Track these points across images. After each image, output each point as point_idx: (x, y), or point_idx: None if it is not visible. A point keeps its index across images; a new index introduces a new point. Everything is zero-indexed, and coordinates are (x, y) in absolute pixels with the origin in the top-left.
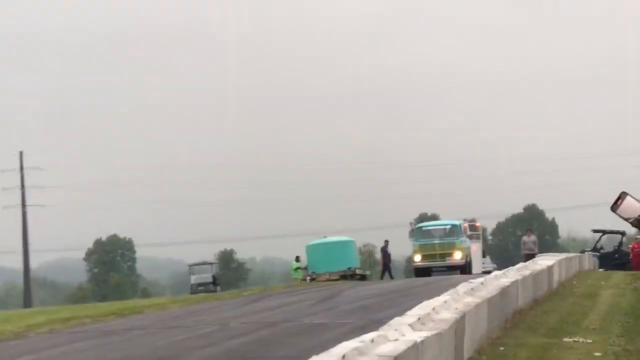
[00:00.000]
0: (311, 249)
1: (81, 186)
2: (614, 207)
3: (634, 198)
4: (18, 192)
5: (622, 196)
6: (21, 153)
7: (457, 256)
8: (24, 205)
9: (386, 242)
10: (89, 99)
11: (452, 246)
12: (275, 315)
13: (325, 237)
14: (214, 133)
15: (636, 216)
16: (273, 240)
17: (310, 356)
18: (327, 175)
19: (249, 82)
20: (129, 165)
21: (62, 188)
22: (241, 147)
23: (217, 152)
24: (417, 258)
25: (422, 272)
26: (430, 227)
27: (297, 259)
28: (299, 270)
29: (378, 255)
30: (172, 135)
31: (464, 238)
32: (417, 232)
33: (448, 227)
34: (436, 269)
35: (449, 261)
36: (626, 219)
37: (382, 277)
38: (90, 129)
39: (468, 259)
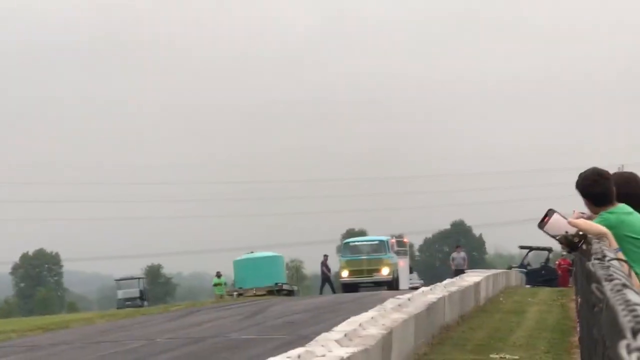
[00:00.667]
0: (238, 264)
1: (6, 200)
2: (541, 225)
3: (561, 215)
4: None
5: (549, 213)
6: None
7: (385, 272)
8: None
9: (325, 256)
10: (10, 110)
11: (380, 262)
12: (203, 331)
13: (252, 252)
14: (140, 144)
15: (563, 233)
16: (201, 255)
17: None
18: (255, 190)
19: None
20: (55, 180)
21: None
22: (168, 160)
23: (144, 165)
24: (345, 274)
25: (349, 287)
26: (357, 243)
27: (218, 275)
28: (220, 286)
29: (305, 271)
30: (100, 147)
31: (391, 254)
32: (344, 248)
33: (375, 242)
34: (364, 284)
35: (376, 277)
36: (553, 237)
37: (321, 292)
38: (13, 142)
39: (395, 275)
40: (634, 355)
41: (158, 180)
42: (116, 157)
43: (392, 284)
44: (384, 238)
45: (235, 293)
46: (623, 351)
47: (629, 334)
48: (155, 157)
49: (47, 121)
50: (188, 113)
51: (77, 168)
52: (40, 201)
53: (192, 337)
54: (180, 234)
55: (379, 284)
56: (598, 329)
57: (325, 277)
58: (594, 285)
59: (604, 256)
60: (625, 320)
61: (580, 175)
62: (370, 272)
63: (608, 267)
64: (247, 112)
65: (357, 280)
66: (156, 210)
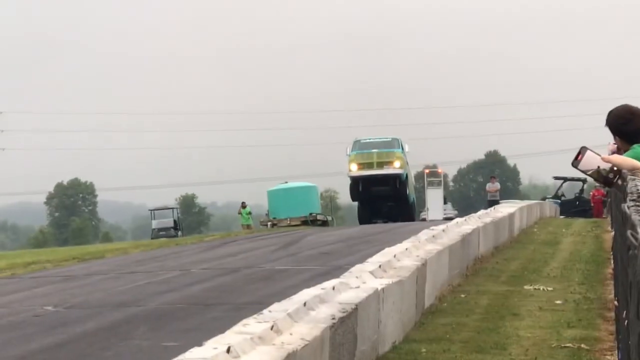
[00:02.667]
0: (272, 194)
1: (42, 130)
2: (575, 163)
3: (593, 152)
4: None
5: (582, 151)
6: None
7: (397, 164)
8: None
9: None
10: (50, 44)
11: (391, 155)
12: (237, 261)
13: (286, 182)
14: (181, 79)
15: (595, 168)
16: (235, 185)
17: (271, 303)
18: (290, 120)
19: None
20: (90, 110)
21: (23, 132)
22: (206, 93)
23: (181, 97)
24: (353, 167)
25: (357, 185)
26: (368, 140)
27: (244, 205)
28: (246, 217)
29: (340, 201)
30: (135, 80)
31: (403, 152)
32: (354, 145)
33: (387, 139)
34: (373, 179)
35: (387, 169)
36: (587, 173)
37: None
38: (51, 73)
39: (405, 173)
40: None
41: (192, 110)
42: (150, 87)
43: (401, 183)
44: (396, 137)
45: (269, 223)
46: None
47: None
48: (190, 87)
49: (84, 52)
50: (220, 44)
51: (113, 98)
52: (74, 130)
53: (226, 267)
54: (214, 163)
55: (388, 181)
56: (633, 271)
57: None
58: (629, 232)
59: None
60: None
61: (611, 113)
62: (381, 165)
63: None
64: (283, 47)
65: (366, 175)
66: (190, 140)
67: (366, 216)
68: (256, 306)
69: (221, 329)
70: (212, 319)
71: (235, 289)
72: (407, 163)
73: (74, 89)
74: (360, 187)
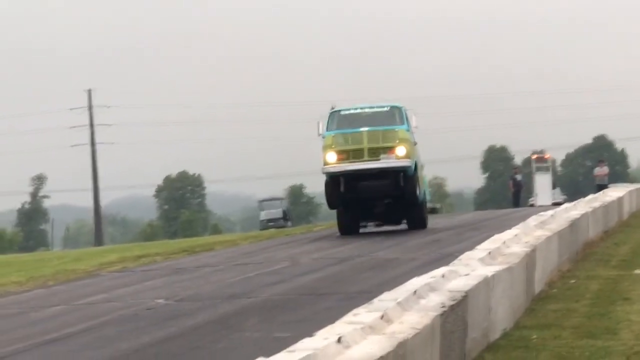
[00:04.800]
0: None
1: (149, 123)
2: None
3: None
4: (87, 130)
5: None
6: (90, 91)
7: (401, 151)
8: (93, 143)
9: (515, 169)
10: (156, 36)
11: (392, 135)
12: (346, 251)
13: None
14: (283, 69)
15: None
16: None
17: (381, 292)
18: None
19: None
20: (197, 102)
21: (131, 125)
22: (308, 78)
23: (286, 88)
24: (330, 157)
25: (336, 185)
26: (354, 110)
27: None
28: None
29: (447, 188)
30: (241, 71)
31: (410, 129)
32: (330, 119)
33: (384, 108)
34: (363, 175)
35: (385, 160)
36: None
37: (517, 204)
38: (158, 66)
39: (414, 162)
40: None
41: (298, 100)
42: (255, 77)
43: (406, 178)
44: (399, 104)
45: None
46: None
47: None
48: (293, 74)
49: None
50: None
51: (219, 90)
52: (182, 123)
53: (335, 257)
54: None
55: (385, 175)
56: None
57: (516, 191)
58: None
59: None
60: None
61: None
62: (375, 152)
63: None
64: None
65: (351, 170)
66: (297, 130)
67: (350, 222)
68: (366, 295)
69: (332, 319)
70: (323, 309)
71: (345, 279)
72: (416, 144)
73: (180, 82)
74: (342, 186)
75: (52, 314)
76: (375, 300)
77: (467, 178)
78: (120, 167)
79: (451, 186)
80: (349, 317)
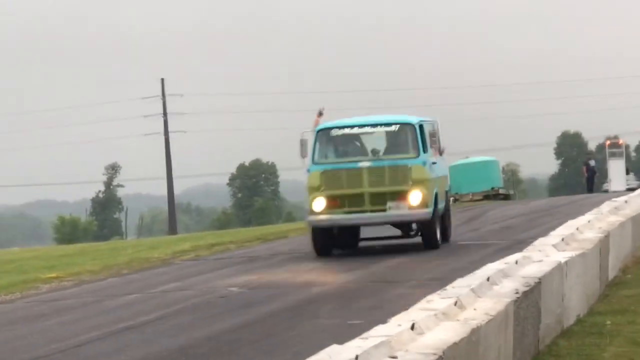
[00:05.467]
0: (454, 170)
1: (222, 112)
2: None
3: None
4: (160, 119)
5: None
6: (163, 80)
7: (415, 200)
8: (166, 132)
9: (588, 155)
10: (229, 25)
11: (403, 175)
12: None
13: (467, 157)
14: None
15: None
16: None
17: (455, 279)
18: (469, 95)
19: None
20: (269, 90)
21: (204, 114)
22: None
23: (357, 76)
24: (319, 205)
25: (323, 236)
26: (348, 130)
27: None
28: None
29: (521, 174)
30: (313, 60)
31: (430, 156)
32: (319, 141)
33: (392, 128)
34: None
35: (393, 212)
36: None
37: (591, 190)
38: (231, 53)
39: (441, 207)
40: None
41: (364, 88)
42: (327, 66)
43: (430, 228)
44: (412, 120)
45: (451, 199)
46: None
47: None
48: (363, 67)
49: (274, 36)
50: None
51: (292, 79)
52: (255, 111)
53: (408, 243)
54: None
55: (396, 224)
56: None
57: (589, 177)
58: None
59: None
60: None
61: None
62: (380, 198)
63: None
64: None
65: (347, 224)
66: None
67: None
68: (439, 282)
69: (405, 306)
70: (396, 296)
71: (417, 266)
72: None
73: (253, 70)
74: (336, 230)
75: (126, 302)
76: (449, 286)
77: (541, 164)
78: (194, 155)
79: (525, 172)
80: (422, 303)
